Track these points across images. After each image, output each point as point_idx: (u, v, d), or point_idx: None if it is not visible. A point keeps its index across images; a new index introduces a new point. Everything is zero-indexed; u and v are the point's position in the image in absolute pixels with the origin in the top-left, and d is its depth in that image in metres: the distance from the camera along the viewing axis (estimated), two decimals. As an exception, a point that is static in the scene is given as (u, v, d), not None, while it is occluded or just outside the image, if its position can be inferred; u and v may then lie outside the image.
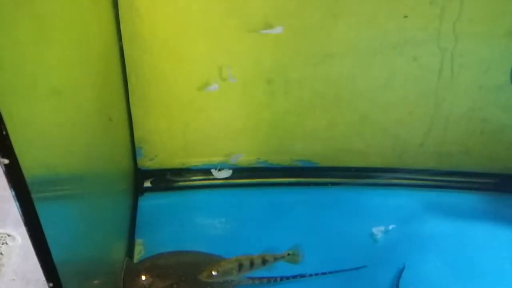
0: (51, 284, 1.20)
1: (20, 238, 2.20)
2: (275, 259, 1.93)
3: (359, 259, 2.18)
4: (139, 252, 2.15)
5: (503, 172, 2.56)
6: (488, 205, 2.47)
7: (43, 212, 1.10)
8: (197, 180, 2.50)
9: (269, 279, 2.06)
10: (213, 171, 2.47)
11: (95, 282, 1.74)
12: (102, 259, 1.89)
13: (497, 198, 2.51)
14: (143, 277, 1.95)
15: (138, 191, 2.43)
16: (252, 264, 1.88)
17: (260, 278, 2.05)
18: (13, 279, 2.08)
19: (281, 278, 2.07)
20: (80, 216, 1.57)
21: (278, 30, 2.11)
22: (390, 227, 2.31)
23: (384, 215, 2.37)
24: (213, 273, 1.84)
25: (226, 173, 2.46)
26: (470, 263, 2.20)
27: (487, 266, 2.19)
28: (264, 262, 1.90)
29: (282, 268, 2.03)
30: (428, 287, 2.09)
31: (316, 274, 2.09)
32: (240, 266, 1.87)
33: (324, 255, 2.19)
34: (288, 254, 1.95)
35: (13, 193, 1.01)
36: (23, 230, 2.15)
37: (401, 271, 2.12)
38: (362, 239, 2.28)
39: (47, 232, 1.13)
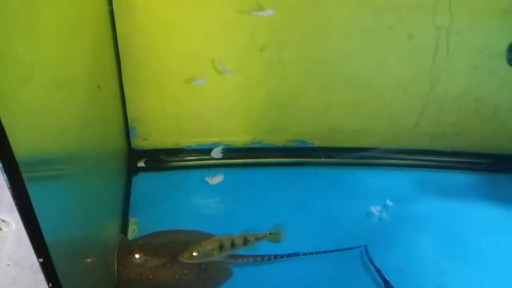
0: (41, 260, 1.22)
1: (15, 223, 2.19)
2: (257, 239, 1.94)
3: (353, 238, 2.18)
4: (133, 231, 2.14)
5: (497, 152, 2.56)
6: (482, 185, 2.47)
7: (34, 191, 1.09)
8: (191, 160, 2.49)
9: (262, 257, 2.05)
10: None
11: (89, 260, 1.74)
12: (95, 238, 1.88)
13: (491, 178, 2.51)
14: (137, 255, 1.95)
15: (132, 171, 2.42)
16: (233, 244, 1.89)
17: (254, 256, 2.05)
18: (8, 265, 2.06)
19: (275, 257, 2.07)
20: (72, 195, 1.57)
21: (269, 12, 2.10)
22: (384, 206, 2.31)
23: (379, 195, 2.37)
24: (194, 254, 1.85)
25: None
26: (463, 242, 2.20)
27: (480, 245, 2.20)
28: (245, 242, 1.91)
29: (276, 247, 2.05)
30: (421, 266, 2.09)
31: (311, 253, 2.09)
32: (221, 247, 1.88)
33: (318, 234, 2.20)
34: (270, 233, 1.95)
35: (3, 171, 1.00)
36: (17, 215, 2.15)
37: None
38: (356, 218, 2.28)
39: (38, 211, 1.13)
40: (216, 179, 2.40)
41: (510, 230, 2.27)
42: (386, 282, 1.98)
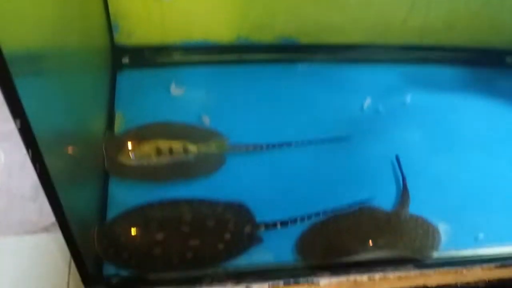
0: (30, 152, 1.20)
1: (4, 155, 2.16)
2: (198, 148, 1.94)
3: (342, 131, 2.20)
4: (120, 123, 2.13)
5: (484, 47, 2.56)
6: (470, 78, 2.49)
7: (21, 86, 1.10)
8: (176, 57, 2.44)
9: (255, 146, 2.07)
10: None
11: (76, 151, 1.74)
12: (82, 131, 1.87)
13: (478, 72, 2.52)
14: (128, 144, 1.95)
15: (116, 67, 2.36)
16: (171, 151, 1.89)
17: (247, 146, 2.07)
18: (-3, 195, 2.06)
19: (267, 146, 2.09)
20: (58, 90, 1.56)
21: None
22: (373, 101, 2.32)
23: (367, 89, 2.37)
24: (130, 154, 1.86)
25: None
26: (449, 131, 2.25)
27: (466, 136, 2.25)
28: (185, 150, 1.91)
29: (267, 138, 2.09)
30: (408, 156, 2.13)
31: (302, 142, 2.11)
32: (159, 151, 1.88)
33: (306, 127, 2.21)
34: (215, 144, 1.95)
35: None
36: (7, 146, 2.14)
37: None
38: (345, 112, 2.29)
39: (26, 104, 1.13)
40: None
41: (494, 119, 2.32)
42: (405, 189, 2.01)
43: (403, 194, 1.99)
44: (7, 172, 2.12)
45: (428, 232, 1.88)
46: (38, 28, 1.39)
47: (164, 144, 1.92)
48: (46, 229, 2.14)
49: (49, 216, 2.14)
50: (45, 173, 1.24)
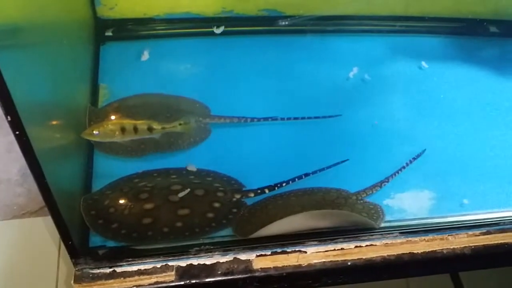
0: (9, 118, 1.20)
1: None
2: (163, 128, 1.92)
3: (328, 102, 2.19)
4: (104, 95, 2.11)
5: (469, 16, 2.55)
6: (455, 48, 2.48)
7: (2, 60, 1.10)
8: (160, 29, 2.41)
9: (239, 118, 2.06)
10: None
11: (59, 122, 1.73)
12: (64, 103, 1.86)
13: (463, 42, 2.52)
14: (111, 117, 1.93)
15: (99, 40, 2.33)
16: (136, 129, 1.88)
17: (231, 118, 2.06)
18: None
19: (252, 119, 2.07)
20: (37, 62, 1.55)
21: None
22: (358, 71, 2.30)
23: (352, 60, 2.35)
24: (94, 132, 1.85)
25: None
26: (433, 100, 2.25)
27: (451, 104, 2.24)
28: (150, 129, 1.90)
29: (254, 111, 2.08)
30: (392, 123, 2.14)
31: (289, 119, 2.10)
32: (123, 130, 1.87)
33: (292, 99, 2.20)
34: (180, 124, 1.94)
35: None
36: None
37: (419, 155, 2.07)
38: (331, 83, 2.28)
39: (6, 75, 1.13)
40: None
41: (479, 88, 2.32)
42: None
43: (377, 184, 1.95)
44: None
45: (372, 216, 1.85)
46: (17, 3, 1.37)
47: (128, 124, 1.91)
48: (34, 213, 2.13)
49: (37, 200, 2.13)
50: (25, 139, 1.23)
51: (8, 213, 2.02)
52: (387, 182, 1.95)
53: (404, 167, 1.98)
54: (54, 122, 1.67)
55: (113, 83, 2.16)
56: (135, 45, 2.33)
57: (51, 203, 1.42)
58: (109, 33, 2.35)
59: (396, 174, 1.97)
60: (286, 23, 2.38)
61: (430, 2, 2.50)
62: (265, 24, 2.49)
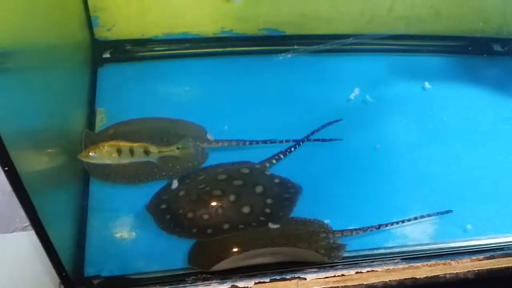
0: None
1: None
2: (160, 152, 1.91)
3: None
4: (101, 120, 2.09)
5: (471, 35, 2.53)
6: (457, 67, 2.46)
7: None
8: (159, 50, 2.39)
9: (237, 142, 2.04)
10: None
11: (53, 150, 1.70)
12: (59, 129, 1.83)
13: (465, 61, 2.49)
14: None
15: (97, 62, 2.32)
16: (132, 152, 1.87)
17: (229, 141, 2.03)
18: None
19: (250, 142, 2.05)
20: (31, 89, 1.51)
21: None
22: (360, 92, 2.28)
23: (354, 80, 2.34)
24: (90, 154, 1.83)
25: None
26: (436, 123, 2.22)
27: (453, 126, 2.21)
28: (146, 152, 1.89)
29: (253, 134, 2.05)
30: (394, 146, 2.11)
31: (287, 141, 2.07)
32: (119, 152, 1.85)
33: (292, 118, 2.18)
34: (178, 148, 1.92)
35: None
36: None
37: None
38: (332, 104, 2.25)
39: None
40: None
41: (483, 108, 2.29)
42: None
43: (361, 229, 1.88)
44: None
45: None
46: (4, 21, 1.31)
47: (125, 146, 1.88)
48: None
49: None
50: (15, 176, 1.19)
51: (10, 226, 1.99)
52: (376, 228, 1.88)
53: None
54: (48, 151, 1.64)
55: (110, 106, 2.14)
56: (133, 67, 2.32)
57: (43, 237, 1.39)
58: (107, 55, 2.34)
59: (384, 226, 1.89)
60: (289, 56, 2.37)
61: (432, 20, 2.47)
62: (265, 44, 2.48)
